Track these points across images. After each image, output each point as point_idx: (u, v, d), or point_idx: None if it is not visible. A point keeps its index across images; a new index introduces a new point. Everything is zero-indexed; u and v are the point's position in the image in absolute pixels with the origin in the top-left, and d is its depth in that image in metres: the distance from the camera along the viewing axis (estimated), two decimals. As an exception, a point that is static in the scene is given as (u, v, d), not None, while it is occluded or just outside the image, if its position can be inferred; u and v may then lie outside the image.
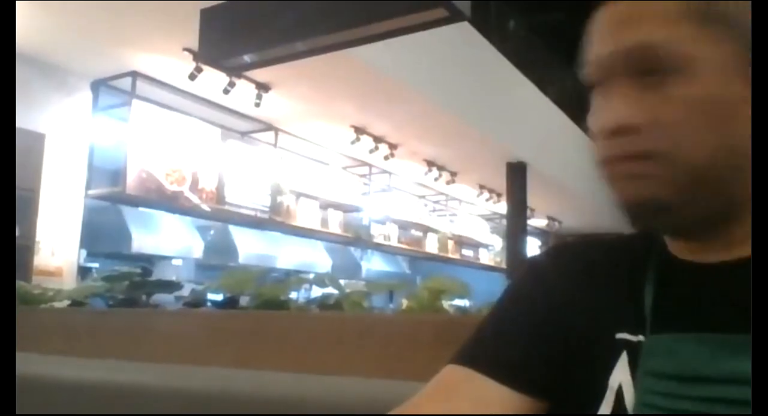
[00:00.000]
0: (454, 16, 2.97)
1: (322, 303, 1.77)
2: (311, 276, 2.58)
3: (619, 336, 0.70)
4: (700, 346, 0.64)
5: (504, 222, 9.46)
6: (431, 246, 9.94)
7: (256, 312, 1.70)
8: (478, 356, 0.74)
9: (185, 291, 2.46)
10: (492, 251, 11.65)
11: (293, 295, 1.84)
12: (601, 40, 0.69)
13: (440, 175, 8.31)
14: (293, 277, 1.87)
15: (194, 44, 3.99)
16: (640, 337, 0.68)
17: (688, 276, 0.71)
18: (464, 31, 6.23)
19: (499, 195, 9.47)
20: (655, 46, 0.64)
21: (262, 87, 5.61)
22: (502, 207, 9.25)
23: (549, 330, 0.74)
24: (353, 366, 1.27)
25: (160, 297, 2.26)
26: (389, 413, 0.72)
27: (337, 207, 8.01)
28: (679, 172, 0.64)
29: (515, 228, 8.18)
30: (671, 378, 0.64)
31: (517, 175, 7.94)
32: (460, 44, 6.43)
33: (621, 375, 0.68)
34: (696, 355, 0.63)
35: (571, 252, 0.83)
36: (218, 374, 1.35)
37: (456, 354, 0.76)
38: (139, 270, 2.10)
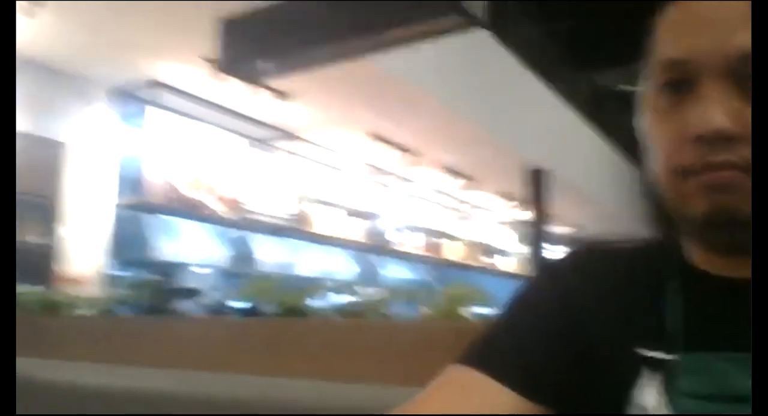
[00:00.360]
0: (471, 23, 2.98)
1: (343, 310, 1.77)
2: (332, 283, 2.58)
3: (641, 351, 0.67)
4: (737, 365, 0.62)
5: (526, 229, 9.41)
6: (452, 253, 9.91)
7: (278, 319, 1.70)
8: (488, 358, 0.71)
9: (208, 299, 2.48)
10: (514, 258, 11.60)
11: (314, 303, 1.84)
12: (693, 37, 0.64)
13: (461, 183, 8.29)
14: (314, 285, 1.87)
15: (214, 53, 4.02)
16: (666, 354, 0.66)
17: (718, 292, 0.68)
18: (483, 38, 6.22)
19: (521, 202, 9.42)
20: None
21: (282, 95, 5.63)
22: (525, 214, 9.21)
23: (564, 337, 0.72)
24: (374, 373, 1.27)
25: (183, 305, 2.28)
26: (399, 410, 0.70)
27: (357, 214, 8.03)
28: None
29: (537, 235, 8.14)
30: (709, 399, 0.62)
31: (539, 182, 7.90)
32: (479, 51, 6.42)
33: (649, 393, 0.65)
34: (734, 375, 0.62)
35: (590, 257, 0.80)
36: (241, 381, 1.35)
37: (464, 354, 0.73)
38: (162, 278, 2.12)
